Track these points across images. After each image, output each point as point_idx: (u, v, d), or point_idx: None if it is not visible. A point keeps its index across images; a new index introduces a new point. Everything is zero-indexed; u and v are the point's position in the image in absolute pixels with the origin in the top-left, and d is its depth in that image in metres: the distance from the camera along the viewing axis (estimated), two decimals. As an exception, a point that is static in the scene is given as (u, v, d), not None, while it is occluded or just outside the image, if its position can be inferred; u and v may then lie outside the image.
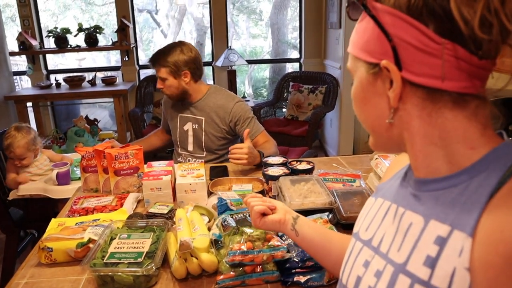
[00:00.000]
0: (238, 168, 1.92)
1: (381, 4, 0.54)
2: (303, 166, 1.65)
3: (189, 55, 2.03)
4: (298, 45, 5.02)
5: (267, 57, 6.44)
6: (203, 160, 2.13)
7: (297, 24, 5.04)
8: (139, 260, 1.09)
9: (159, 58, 2.03)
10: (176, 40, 2.16)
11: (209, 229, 1.23)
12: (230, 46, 4.59)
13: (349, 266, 0.69)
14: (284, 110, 4.74)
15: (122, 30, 4.22)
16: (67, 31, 4.18)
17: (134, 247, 1.15)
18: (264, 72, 7.04)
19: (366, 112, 0.62)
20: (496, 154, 0.53)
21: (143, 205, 1.55)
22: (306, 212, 1.22)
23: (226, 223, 1.16)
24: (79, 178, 1.84)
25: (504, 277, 0.45)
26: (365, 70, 0.58)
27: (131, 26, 4.35)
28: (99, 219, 1.36)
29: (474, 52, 0.50)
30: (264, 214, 1.00)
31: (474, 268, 0.47)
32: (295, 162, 1.69)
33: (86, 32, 4.17)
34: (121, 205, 1.52)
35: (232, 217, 1.19)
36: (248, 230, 1.10)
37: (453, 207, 0.53)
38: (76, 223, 1.33)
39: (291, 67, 6.00)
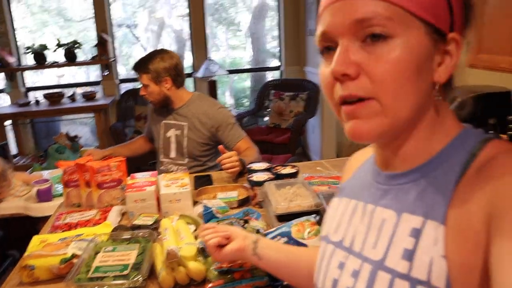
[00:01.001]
0: (223, 176, 1.91)
1: None
2: (287, 170, 1.65)
3: (170, 62, 2.07)
4: (278, 54, 5.05)
5: (248, 67, 6.46)
6: (186, 168, 2.13)
7: (277, 33, 5.08)
8: (125, 272, 1.07)
9: (140, 65, 2.08)
10: None
11: (195, 237, 1.22)
12: (209, 57, 4.60)
13: (323, 270, 0.66)
14: (266, 118, 4.76)
15: (102, 44, 4.19)
16: (45, 47, 4.13)
17: (120, 260, 1.13)
18: (245, 82, 7.07)
19: (411, 86, 0.50)
20: (458, 141, 0.54)
21: (127, 218, 1.53)
22: (293, 215, 1.22)
23: (212, 230, 1.15)
24: (61, 195, 1.81)
25: (475, 263, 0.46)
26: (427, 34, 0.50)
27: (110, 40, 4.33)
28: (82, 234, 1.33)
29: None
30: (223, 245, 0.94)
31: (449, 255, 0.48)
32: (279, 167, 1.69)
33: (65, 47, 4.13)
34: (105, 218, 1.49)
35: (218, 225, 1.17)
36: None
37: (423, 198, 0.53)
38: (59, 239, 1.30)
39: (271, 76, 6.04)
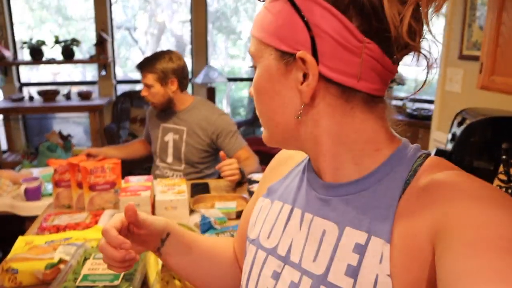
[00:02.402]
0: (220, 185, 1.85)
1: None
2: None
3: (178, 63, 2.00)
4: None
5: (246, 77, 6.46)
6: (181, 174, 2.06)
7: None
8: (116, 282, 1.00)
9: (147, 64, 1.99)
10: None
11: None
12: (209, 64, 4.56)
13: (253, 278, 0.62)
14: (262, 129, 4.71)
15: (101, 43, 4.13)
16: (42, 43, 4.06)
17: (110, 268, 1.05)
18: (242, 91, 7.05)
19: (270, 105, 0.55)
20: (398, 154, 0.53)
21: (119, 223, 1.45)
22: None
23: (211, 242, 1.08)
24: (51, 195, 1.73)
25: (421, 281, 0.45)
26: (275, 58, 0.53)
27: (109, 40, 4.27)
28: (71, 238, 1.26)
29: (390, 55, 0.50)
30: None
31: (394, 274, 0.47)
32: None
33: (62, 44, 4.06)
34: (96, 222, 1.42)
35: (216, 236, 1.11)
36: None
37: (366, 212, 0.52)
38: (46, 242, 1.23)
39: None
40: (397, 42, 0.49)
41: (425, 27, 0.50)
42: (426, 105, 3.73)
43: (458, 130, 1.72)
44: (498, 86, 1.50)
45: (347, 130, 0.53)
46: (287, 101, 0.54)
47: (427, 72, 0.52)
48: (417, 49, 0.51)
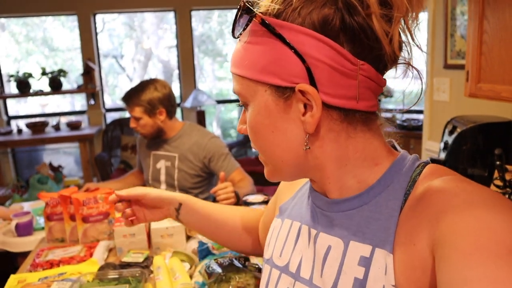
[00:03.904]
0: (216, 208, 1.82)
1: (289, 23, 0.50)
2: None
3: (163, 92, 1.97)
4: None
5: (234, 98, 6.49)
6: None
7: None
8: (114, 317, 0.96)
9: (132, 97, 1.95)
10: None
11: (190, 276, 1.12)
12: (197, 87, 4.57)
13: None
14: (254, 149, 4.70)
15: (88, 72, 4.13)
16: (29, 75, 4.05)
17: (108, 303, 1.02)
18: (231, 113, 7.08)
19: (272, 141, 0.54)
20: (397, 166, 0.54)
21: (115, 254, 1.42)
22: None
23: (210, 269, 1.05)
24: (43, 228, 1.69)
25: (424, 286, 0.46)
26: (271, 94, 0.52)
27: (97, 69, 4.27)
28: (65, 273, 1.23)
29: (381, 71, 0.52)
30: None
31: (399, 284, 0.47)
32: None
33: (50, 75, 4.05)
34: (91, 255, 1.38)
35: (216, 262, 1.08)
36: (236, 276, 1.00)
37: (368, 225, 0.52)
38: (39, 279, 1.19)
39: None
40: (388, 58, 0.51)
41: (409, 38, 0.51)
42: (415, 115, 3.76)
43: (450, 139, 1.73)
44: (486, 93, 1.51)
45: (349, 152, 0.54)
46: (289, 134, 0.53)
47: (421, 82, 0.54)
48: (408, 62, 0.53)
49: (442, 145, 1.79)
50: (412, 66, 0.53)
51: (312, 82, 0.49)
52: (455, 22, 2.36)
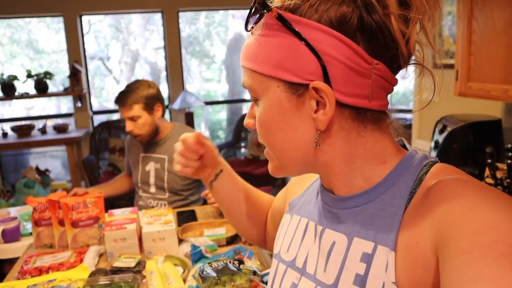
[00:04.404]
0: (207, 211, 1.81)
1: (305, 19, 0.49)
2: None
3: (157, 89, 1.98)
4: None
5: (222, 99, 6.48)
6: (166, 202, 2.00)
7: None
8: (106, 324, 0.94)
9: (129, 96, 1.90)
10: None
11: (184, 281, 1.11)
12: (185, 89, 4.55)
13: None
14: (243, 150, 4.69)
15: (74, 75, 4.08)
16: (14, 77, 3.98)
17: (100, 310, 1.00)
18: (220, 114, 7.06)
19: (282, 137, 0.54)
20: (404, 165, 0.54)
21: (106, 259, 1.39)
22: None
23: (204, 273, 1.04)
24: (31, 234, 1.66)
25: (425, 285, 0.45)
26: (283, 90, 0.52)
27: (83, 71, 4.22)
28: (55, 279, 1.20)
29: (394, 71, 0.51)
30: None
31: (399, 281, 0.47)
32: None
33: (35, 78, 3.99)
34: (81, 260, 1.35)
35: (210, 266, 1.07)
36: (231, 279, 0.98)
37: (373, 222, 0.52)
38: (28, 286, 1.16)
39: (246, 108, 6.04)
40: (403, 58, 0.51)
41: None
42: (402, 115, 3.79)
43: (440, 138, 1.74)
44: (475, 92, 1.52)
45: (358, 150, 0.54)
46: (301, 131, 0.53)
47: (434, 82, 0.54)
48: (421, 63, 0.53)
49: (433, 144, 1.80)
50: (424, 67, 0.54)
51: (327, 80, 0.49)
52: (443, 22, 2.37)
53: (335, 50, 0.48)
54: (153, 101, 1.93)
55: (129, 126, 1.93)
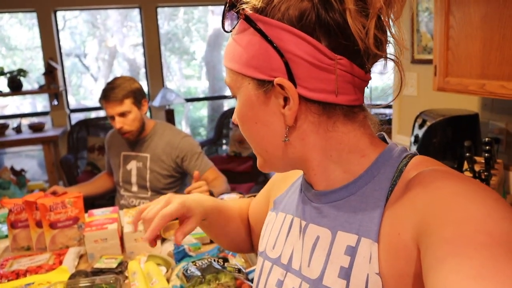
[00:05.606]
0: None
1: (268, 18, 0.51)
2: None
3: (139, 84, 1.94)
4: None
5: (203, 96, 6.43)
6: (148, 201, 1.97)
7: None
8: (88, 327, 0.92)
9: (118, 91, 1.84)
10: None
11: (167, 280, 1.09)
12: (165, 86, 4.49)
13: (261, 287, 0.65)
14: (225, 147, 4.67)
15: (50, 72, 3.98)
16: (-14, 76, 3.86)
17: (81, 313, 0.97)
18: (201, 111, 7.01)
19: (256, 132, 0.57)
20: (384, 157, 0.55)
21: (86, 261, 1.36)
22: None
23: (188, 272, 1.02)
24: (6, 236, 1.61)
25: (408, 278, 0.47)
26: (253, 87, 0.54)
27: (59, 68, 4.12)
28: (33, 283, 1.17)
29: (361, 66, 0.52)
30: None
31: (383, 272, 0.48)
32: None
33: (8, 76, 3.87)
34: (60, 262, 1.32)
35: (194, 265, 1.05)
36: (216, 278, 0.97)
37: (355, 215, 0.53)
38: (6, 291, 1.13)
39: (228, 104, 6.02)
40: (366, 53, 0.51)
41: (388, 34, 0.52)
42: (381, 110, 3.83)
43: (420, 132, 1.76)
44: (453, 86, 1.54)
45: (332, 143, 0.55)
46: (271, 126, 0.55)
47: (401, 76, 0.55)
48: (386, 57, 0.54)
49: (412, 138, 1.82)
50: (392, 60, 0.54)
51: (291, 76, 0.51)
52: (418, 18, 2.40)
53: (296, 47, 0.50)
54: (140, 96, 1.91)
55: (118, 122, 1.87)
